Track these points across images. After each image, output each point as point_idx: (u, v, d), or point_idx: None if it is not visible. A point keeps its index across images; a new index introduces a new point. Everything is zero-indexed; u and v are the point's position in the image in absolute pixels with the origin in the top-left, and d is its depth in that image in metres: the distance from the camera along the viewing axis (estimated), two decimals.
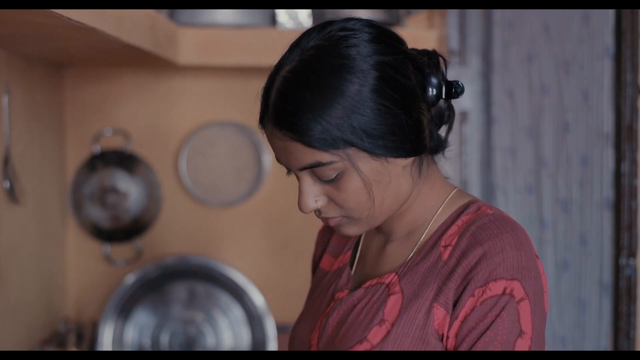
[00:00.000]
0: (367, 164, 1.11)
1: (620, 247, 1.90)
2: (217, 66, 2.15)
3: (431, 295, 1.12)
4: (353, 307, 1.19)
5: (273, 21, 2.15)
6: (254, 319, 2.27)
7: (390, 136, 1.10)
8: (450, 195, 1.21)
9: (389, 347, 1.12)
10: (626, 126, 1.88)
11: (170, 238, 2.33)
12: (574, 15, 1.98)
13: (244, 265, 2.32)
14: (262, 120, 1.14)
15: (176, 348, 2.26)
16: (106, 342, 2.23)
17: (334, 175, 1.11)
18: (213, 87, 2.31)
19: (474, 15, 2.21)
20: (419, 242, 1.19)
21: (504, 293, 1.09)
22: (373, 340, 1.13)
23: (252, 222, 2.34)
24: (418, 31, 2.19)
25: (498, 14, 2.15)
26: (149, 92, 2.31)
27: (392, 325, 1.13)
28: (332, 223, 1.17)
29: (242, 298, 2.26)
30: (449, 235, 1.15)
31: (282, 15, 2.18)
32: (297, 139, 1.08)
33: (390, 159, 1.12)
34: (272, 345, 2.25)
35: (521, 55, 2.11)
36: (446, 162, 1.26)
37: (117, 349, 2.24)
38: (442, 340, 1.12)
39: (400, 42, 1.16)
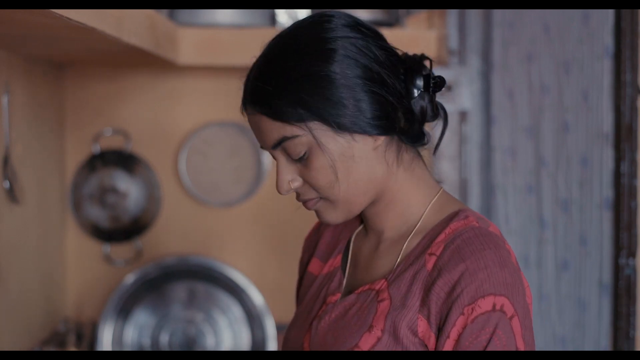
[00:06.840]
0: (332, 140, 1.13)
1: (620, 247, 1.90)
2: (217, 66, 2.15)
3: (417, 304, 1.12)
4: (345, 313, 1.19)
5: (273, 21, 2.15)
6: (253, 318, 2.27)
7: (351, 111, 1.12)
8: (437, 196, 1.21)
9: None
10: (626, 126, 1.89)
11: (170, 238, 2.33)
12: (574, 15, 1.98)
13: (244, 265, 2.32)
14: (243, 105, 1.21)
15: (176, 348, 2.26)
16: (106, 342, 2.23)
17: (302, 152, 1.14)
18: (213, 87, 2.31)
19: (474, 15, 2.21)
20: (405, 245, 1.18)
21: (494, 309, 1.08)
22: (364, 346, 1.13)
23: (252, 222, 2.34)
24: (418, 31, 2.19)
25: (498, 14, 2.15)
26: (149, 92, 2.31)
27: (382, 332, 1.13)
28: (310, 206, 1.19)
29: (241, 298, 2.26)
30: (436, 243, 1.14)
31: (282, 15, 2.18)
32: (263, 112, 1.15)
33: (357, 137, 1.14)
34: (272, 345, 2.25)
35: (521, 55, 2.11)
36: (434, 161, 1.25)
37: (117, 349, 2.24)
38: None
39: (375, 33, 1.18)
